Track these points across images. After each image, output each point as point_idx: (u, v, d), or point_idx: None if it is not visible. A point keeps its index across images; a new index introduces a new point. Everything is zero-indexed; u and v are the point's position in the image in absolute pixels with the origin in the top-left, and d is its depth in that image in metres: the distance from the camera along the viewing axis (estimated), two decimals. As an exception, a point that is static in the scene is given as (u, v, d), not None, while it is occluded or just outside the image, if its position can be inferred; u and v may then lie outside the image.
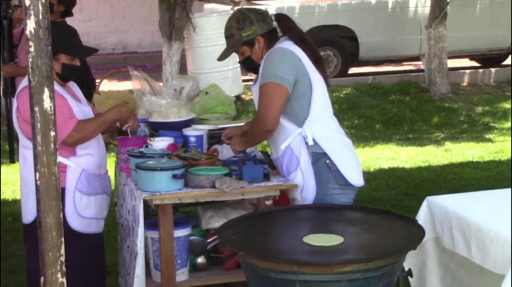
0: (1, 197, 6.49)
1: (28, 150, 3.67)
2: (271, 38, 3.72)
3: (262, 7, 11.16)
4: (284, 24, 3.75)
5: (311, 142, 3.62)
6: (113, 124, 3.89)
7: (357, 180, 3.69)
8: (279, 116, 3.60)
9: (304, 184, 3.65)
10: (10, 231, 5.66)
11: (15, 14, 6.14)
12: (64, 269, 2.22)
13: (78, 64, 3.79)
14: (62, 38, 3.72)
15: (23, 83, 3.72)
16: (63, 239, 2.23)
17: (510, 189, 3.71)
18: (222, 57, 3.81)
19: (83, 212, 3.77)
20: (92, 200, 3.82)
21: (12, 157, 6.53)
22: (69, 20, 6.40)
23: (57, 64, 3.70)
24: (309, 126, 3.63)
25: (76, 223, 3.74)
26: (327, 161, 3.63)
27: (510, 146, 8.09)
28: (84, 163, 3.77)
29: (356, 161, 3.77)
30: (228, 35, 3.75)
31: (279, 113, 3.59)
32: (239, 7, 11.19)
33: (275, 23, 3.77)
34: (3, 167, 7.18)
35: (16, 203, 6.51)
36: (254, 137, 3.75)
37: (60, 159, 3.38)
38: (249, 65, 3.79)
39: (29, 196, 3.70)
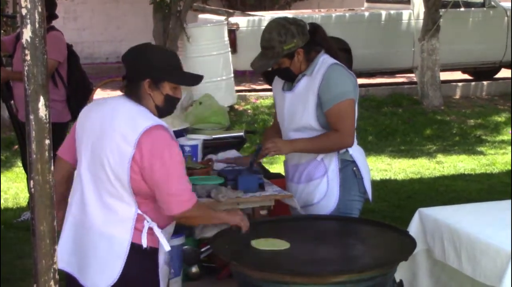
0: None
1: (116, 199, 2.96)
2: (309, 50, 3.71)
3: (256, 18, 11.22)
4: (320, 36, 3.77)
5: (348, 150, 3.71)
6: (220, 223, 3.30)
7: (370, 194, 3.82)
8: (355, 130, 3.69)
9: (327, 192, 3.71)
10: (2, 239, 5.64)
11: None
12: (57, 277, 2.22)
13: (180, 96, 3.11)
14: (167, 63, 3.05)
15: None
16: (56, 247, 2.23)
17: (498, 201, 3.75)
18: (260, 69, 3.72)
19: None
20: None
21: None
22: (63, 29, 6.43)
23: (159, 95, 3.03)
24: None
25: None
26: (354, 169, 3.73)
27: (510, 158, 8.16)
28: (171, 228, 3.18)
29: (369, 175, 3.86)
30: (268, 47, 3.65)
31: (355, 127, 3.69)
32: (233, 17, 11.28)
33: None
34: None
35: (7, 211, 6.51)
36: (328, 149, 3.69)
37: (156, 230, 3.00)
38: (285, 75, 3.76)
39: (111, 258, 2.97)
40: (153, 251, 3.04)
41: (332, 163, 3.70)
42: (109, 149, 2.95)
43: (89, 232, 3.01)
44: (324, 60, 3.70)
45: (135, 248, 2.99)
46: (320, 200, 3.71)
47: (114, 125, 2.98)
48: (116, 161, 2.93)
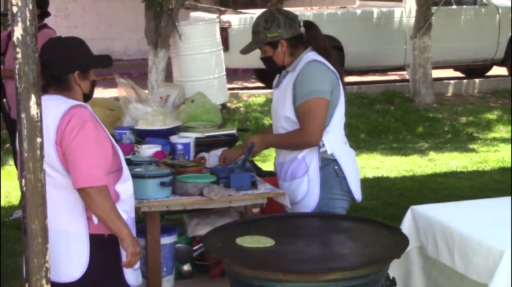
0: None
1: (60, 190, 3.04)
2: (295, 44, 3.72)
3: (248, 16, 11.21)
4: (312, 33, 3.78)
5: (327, 150, 3.70)
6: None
7: (358, 194, 3.81)
8: (323, 130, 3.66)
9: (308, 191, 3.71)
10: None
11: None
12: (49, 275, 2.22)
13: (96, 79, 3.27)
14: (88, 52, 3.20)
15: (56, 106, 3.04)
16: (48, 246, 2.22)
17: (490, 198, 3.76)
18: (244, 51, 3.78)
19: None
20: None
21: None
22: (55, 27, 6.41)
23: (87, 82, 3.17)
24: (325, 135, 3.69)
25: (132, 278, 3.19)
26: (336, 167, 3.72)
27: (502, 155, 8.18)
28: (125, 205, 3.16)
29: (358, 175, 3.86)
30: (254, 31, 3.75)
31: (323, 127, 3.66)
32: (224, 15, 11.26)
33: (302, 29, 3.77)
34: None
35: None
36: (293, 146, 3.72)
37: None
38: (268, 64, 3.80)
39: (74, 250, 3.06)
40: (114, 239, 3.05)
41: (313, 162, 3.70)
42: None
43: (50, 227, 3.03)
44: (308, 57, 3.71)
45: (94, 238, 3.07)
46: (302, 198, 3.73)
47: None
48: (46, 151, 2.92)
